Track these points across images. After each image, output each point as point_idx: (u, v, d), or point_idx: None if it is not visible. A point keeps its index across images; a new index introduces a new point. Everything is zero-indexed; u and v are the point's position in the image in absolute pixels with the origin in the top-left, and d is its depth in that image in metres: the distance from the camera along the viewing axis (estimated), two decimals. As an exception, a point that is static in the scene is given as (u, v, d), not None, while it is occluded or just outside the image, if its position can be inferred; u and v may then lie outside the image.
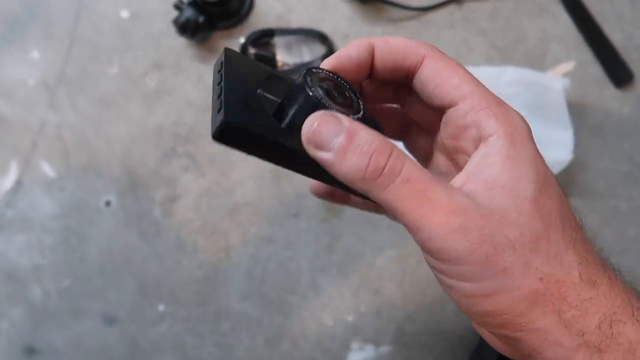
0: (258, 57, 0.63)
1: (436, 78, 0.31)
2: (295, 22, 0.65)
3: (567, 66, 0.63)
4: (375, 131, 0.27)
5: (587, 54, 0.64)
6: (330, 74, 0.30)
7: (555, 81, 0.60)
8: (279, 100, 0.29)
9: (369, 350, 0.60)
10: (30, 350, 0.61)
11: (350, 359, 0.60)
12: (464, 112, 0.30)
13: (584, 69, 0.63)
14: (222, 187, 0.63)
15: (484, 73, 0.61)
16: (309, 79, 0.28)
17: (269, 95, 0.29)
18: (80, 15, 0.66)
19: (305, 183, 0.60)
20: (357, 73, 0.31)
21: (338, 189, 0.34)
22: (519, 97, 0.60)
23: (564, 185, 0.61)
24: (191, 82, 0.65)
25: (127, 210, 0.63)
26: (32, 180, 0.64)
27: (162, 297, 0.62)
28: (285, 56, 0.64)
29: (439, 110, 0.31)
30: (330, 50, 0.63)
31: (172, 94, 0.65)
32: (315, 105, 0.27)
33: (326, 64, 0.30)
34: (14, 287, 0.62)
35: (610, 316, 0.27)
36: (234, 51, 0.30)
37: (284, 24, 0.65)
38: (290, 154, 0.28)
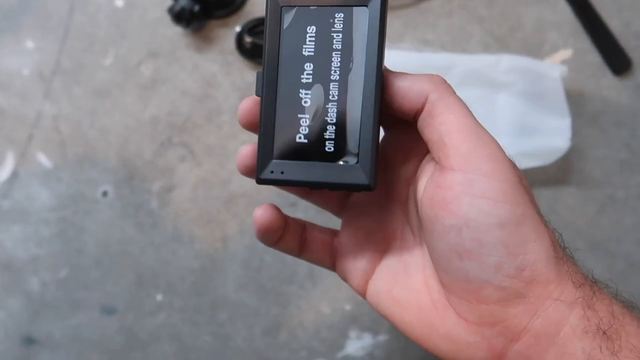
0: (254, 46, 0.62)
1: None
2: (291, 11, 0.65)
3: (565, 54, 0.63)
4: None
5: (585, 42, 0.63)
6: None
7: (553, 69, 0.60)
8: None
9: (367, 338, 0.61)
10: (29, 340, 0.61)
11: (348, 347, 0.61)
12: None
13: (582, 56, 0.63)
14: (219, 177, 0.63)
15: (481, 61, 0.61)
16: None
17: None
18: (75, 4, 0.66)
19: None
20: None
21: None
22: (517, 85, 0.60)
23: (561, 173, 0.61)
24: (186, 72, 0.64)
25: (123, 200, 0.63)
26: (28, 172, 0.64)
27: (159, 288, 0.62)
28: (281, 45, 0.63)
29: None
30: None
31: (167, 83, 0.64)
32: None
33: None
34: (11, 278, 0.62)
35: (589, 275, 0.28)
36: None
37: (279, 13, 0.65)
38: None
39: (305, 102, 0.30)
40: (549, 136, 0.59)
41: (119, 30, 0.65)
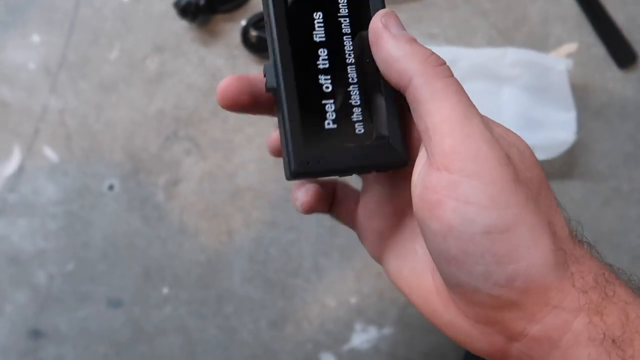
0: (259, 39, 0.63)
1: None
2: (296, 5, 0.65)
3: (570, 47, 0.63)
4: None
5: (590, 35, 0.63)
6: None
7: (558, 62, 0.60)
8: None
9: (372, 331, 0.61)
10: (36, 334, 0.62)
11: (353, 340, 0.61)
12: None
13: (587, 50, 0.63)
14: (224, 171, 0.63)
15: (486, 55, 0.61)
16: None
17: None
18: (80, -1, 0.66)
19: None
20: None
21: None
22: (522, 79, 0.60)
23: (566, 166, 0.61)
24: (192, 66, 0.64)
25: (129, 194, 0.63)
26: (34, 165, 0.64)
27: (165, 281, 0.62)
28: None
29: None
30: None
31: (173, 77, 0.64)
32: None
33: None
34: (18, 271, 0.62)
35: (604, 276, 0.25)
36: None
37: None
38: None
39: (326, 87, 0.29)
40: (554, 129, 0.59)
41: (124, 24, 0.66)
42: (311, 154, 0.28)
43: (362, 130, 0.29)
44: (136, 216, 0.63)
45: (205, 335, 0.61)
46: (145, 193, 0.63)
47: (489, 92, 0.60)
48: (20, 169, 0.64)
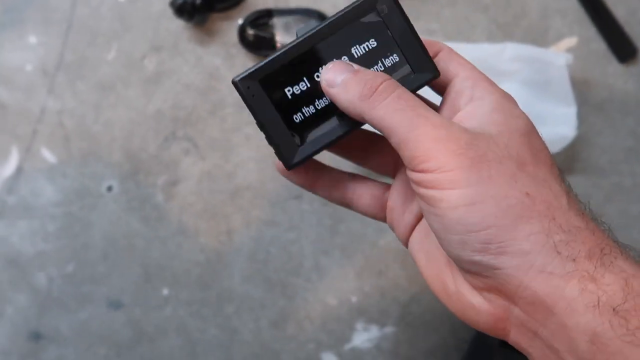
0: (257, 38, 0.62)
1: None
2: (294, 2, 0.65)
3: (570, 42, 0.63)
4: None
5: (590, 29, 0.63)
6: None
7: (558, 57, 0.59)
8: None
9: (374, 330, 0.61)
10: (36, 335, 0.62)
11: (355, 339, 0.61)
12: (461, 81, 0.32)
13: (587, 44, 0.63)
14: (223, 170, 0.63)
15: (486, 50, 0.60)
16: None
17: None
18: (77, -1, 0.66)
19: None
20: None
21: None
22: (521, 74, 0.59)
23: (567, 161, 0.61)
24: (189, 65, 0.64)
25: (128, 195, 0.63)
26: (33, 167, 0.64)
27: (165, 281, 0.62)
28: (284, 37, 0.63)
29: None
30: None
31: (171, 77, 0.64)
32: None
33: None
34: (18, 273, 0.62)
35: (600, 248, 0.26)
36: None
37: (282, 4, 0.65)
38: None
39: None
40: (555, 125, 0.58)
41: (122, 24, 0.65)
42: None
43: None
44: (135, 217, 0.62)
45: (205, 335, 0.61)
46: (144, 193, 0.63)
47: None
48: (19, 171, 0.64)
